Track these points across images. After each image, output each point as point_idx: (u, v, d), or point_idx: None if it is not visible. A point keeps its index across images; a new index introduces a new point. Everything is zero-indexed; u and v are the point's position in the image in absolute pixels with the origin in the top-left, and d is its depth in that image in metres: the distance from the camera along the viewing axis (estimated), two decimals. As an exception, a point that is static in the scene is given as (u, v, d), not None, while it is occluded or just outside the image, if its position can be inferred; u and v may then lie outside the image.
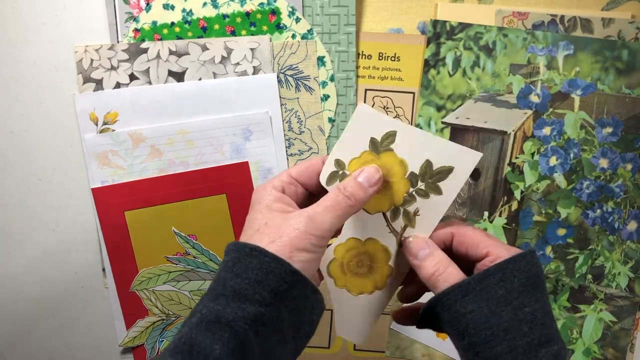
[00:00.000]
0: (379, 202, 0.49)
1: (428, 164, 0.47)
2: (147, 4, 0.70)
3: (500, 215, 0.75)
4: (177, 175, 0.73)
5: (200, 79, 0.72)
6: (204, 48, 0.71)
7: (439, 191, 0.48)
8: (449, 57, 0.72)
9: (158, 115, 0.72)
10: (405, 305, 0.54)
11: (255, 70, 0.72)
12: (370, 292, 0.52)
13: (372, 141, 0.47)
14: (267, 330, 0.42)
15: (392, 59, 0.73)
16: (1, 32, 0.70)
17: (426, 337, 0.78)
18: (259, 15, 0.71)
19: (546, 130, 0.72)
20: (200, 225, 0.74)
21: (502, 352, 0.42)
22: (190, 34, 0.71)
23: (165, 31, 0.71)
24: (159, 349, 0.77)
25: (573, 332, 0.77)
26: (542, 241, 0.75)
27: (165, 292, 0.75)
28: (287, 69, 0.72)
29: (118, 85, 0.72)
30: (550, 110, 0.72)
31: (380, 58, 0.73)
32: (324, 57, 0.72)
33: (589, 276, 0.75)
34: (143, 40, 0.71)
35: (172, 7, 0.71)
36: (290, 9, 0.71)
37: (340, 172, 0.48)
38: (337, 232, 0.51)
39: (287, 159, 0.75)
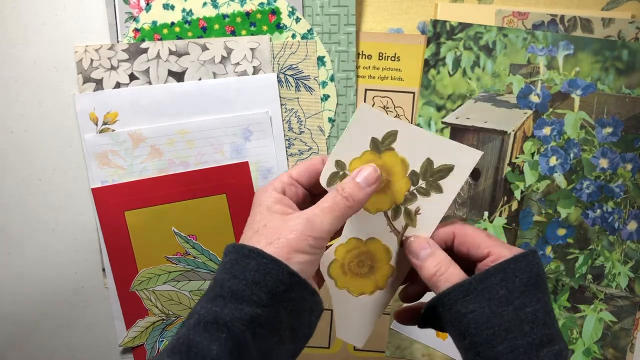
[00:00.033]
0: (380, 201, 0.49)
1: (429, 162, 0.47)
2: (147, 4, 0.70)
3: (500, 215, 0.75)
4: (177, 175, 0.73)
5: (200, 79, 0.72)
6: (204, 48, 0.71)
7: (439, 189, 0.48)
8: (449, 57, 0.72)
9: (158, 115, 0.72)
10: (406, 304, 0.54)
11: (255, 70, 0.72)
12: (371, 293, 0.52)
13: (374, 141, 0.47)
14: (264, 332, 0.42)
15: (392, 59, 0.73)
16: (1, 32, 0.70)
17: (426, 337, 0.78)
18: (259, 15, 0.71)
19: (546, 130, 0.72)
20: (200, 225, 0.74)
21: (503, 352, 0.42)
22: (190, 34, 0.71)
23: (165, 31, 0.71)
24: (159, 349, 0.77)
25: (573, 332, 0.77)
26: (542, 241, 0.75)
27: (165, 292, 0.75)
28: (287, 69, 0.72)
29: (118, 85, 0.71)
30: (550, 110, 0.72)
31: (380, 58, 0.73)
32: (324, 57, 0.72)
33: (589, 276, 0.75)
34: (143, 40, 0.71)
35: (172, 7, 0.71)
36: (290, 9, 0.71)
37: (341, 173, 0.48)
38: (337, 233, 0.51)
39: (287, 159, 0.75)
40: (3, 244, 0.75)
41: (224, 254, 0.46)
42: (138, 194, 0.72)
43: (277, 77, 0.72)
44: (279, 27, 0.72)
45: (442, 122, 0.73)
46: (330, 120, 0.74)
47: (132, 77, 0.71)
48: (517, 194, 0.74)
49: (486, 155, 0.73)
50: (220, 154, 0.73)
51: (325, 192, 0.48)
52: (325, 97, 0.73)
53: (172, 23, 0.71)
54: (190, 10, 0.71)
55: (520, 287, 0.43)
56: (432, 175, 0.48)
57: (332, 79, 0.73)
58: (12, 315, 0.77)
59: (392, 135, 0.47)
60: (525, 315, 0.42)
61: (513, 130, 0.73)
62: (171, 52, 0.71)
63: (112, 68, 0.71)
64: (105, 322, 0.77)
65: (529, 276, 0.43)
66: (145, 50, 0.71)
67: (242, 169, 0.74)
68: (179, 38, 0.71)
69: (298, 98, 0.73)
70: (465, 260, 0.47)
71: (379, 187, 0.48)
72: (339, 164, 0.48)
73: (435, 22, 0.71)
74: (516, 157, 0.73)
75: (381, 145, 0.48)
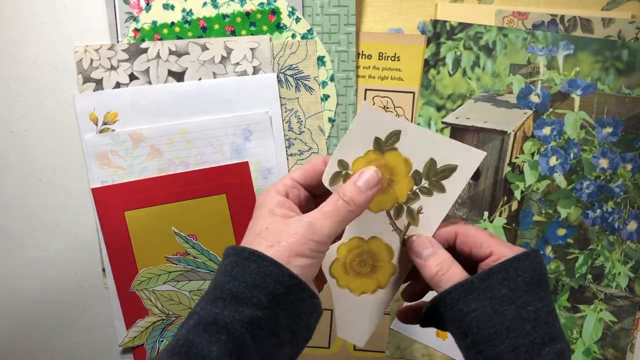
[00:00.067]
0: (382, 200, 0.49)
1: (432, 162, 0.48)
2: (147, 4, 0.70)
3: (500, 215, 0.75)
4: (177, 175, 0.73)
5: (200, 79, 0.72)
6: (204, 48, 0.71)
7: (442, 189, 0.48)
8: (449, 57, 0.72)
9: (158, 115, 0.72)
10: (408, 303, 0.54)
11: (255, 70, 0.72)
12: (372, 292, 0.52)
13: (377, 140, 0.47)
14: (263, 334, 0.42)
15: (392, 58, 0.73)
16: (1, 32, 0.70)
17: (426, 337, 0.78)
18: (259, 15, 0.71)
19: (546, 130, 0.73)
20: (200, 225, 0.74)
21: (505, 351, 0.42)
22: (190, 33, 0.71)
23: (165, 31, 0.71)
24: (158, 349, 0.77)
25: (573, 332, 0.77)
26: (542, 241, 0.75)
27: (165, 292, 0.75)
28: (287, 69, 0.72)
29: (118, 85, 0.71)
30: (550, 110, 0.72)
31: (380, 58, 0.73)
32: (324, 57, 0.72)
33: (589, 276, 0.75)
34: (143, 40, 0.71)
35: (172, 7, 0.71)
36: (290, 9, 0.71)
37: (344, 172, 0.48)
38: (338, 237, 0.51)
39: (287, 159, 0.75)
40: (3, 244, 0.75)
41: (224, 256, 0.46)
42: (138, 194, 0.72)
43: (277, 77, 0.72)
44: (279, 27, 0.72)
45: (442, 122, 0.73)
46: (330, 120, 0.74)
47: (132, 77, 0.71)
48: (517, 194, 0.74)
49: (486, 155, 0.73)
50: (220, 154, 0.73)
51: (327, 193, 0.48)
52: (325, 97, 0.73)
53: (172, 23, 0.71)
54: (190, 10, 0.71)
55: (523, 286, 0.43)
56: (435, 175, 0.48)
57: (332, 79, 0.73)
58: (12, 315, 0.76)
59: (395, 135, 0.47)
60: (527, 314, 0.42)
61: (513, 130, 0.73)
62: (171, 52, 0.71)
63: (112, 68, 0.71)
64: (105, 322, 0.77)
65: (531, 275, 0.43)
66: (145, 50, 0.71)
67: (242, 169, 0.74)
68: (179, 38, 0.71)
69: (298, 98, 0.73)
70: (467, 260, 0.47)
71: (380, 189, 0.48)
72: (342, 163, 0.48)
73: (435, 22, 0.71)
74: (516, 157, 0.73)
75: (384, 145, 0.48)
